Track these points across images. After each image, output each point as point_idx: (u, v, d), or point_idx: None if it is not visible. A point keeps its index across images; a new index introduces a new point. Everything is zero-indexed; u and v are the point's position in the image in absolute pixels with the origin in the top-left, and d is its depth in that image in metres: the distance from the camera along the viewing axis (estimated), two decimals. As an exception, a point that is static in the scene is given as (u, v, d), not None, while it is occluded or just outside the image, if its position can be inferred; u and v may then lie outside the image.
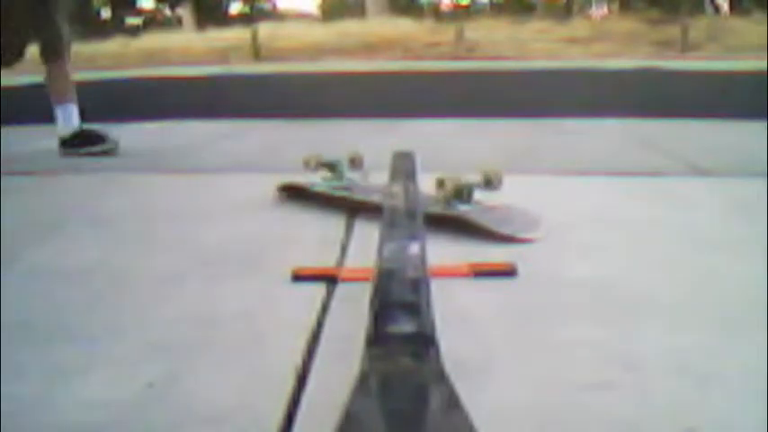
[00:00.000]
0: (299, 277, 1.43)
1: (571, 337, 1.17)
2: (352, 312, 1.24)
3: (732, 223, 1.91)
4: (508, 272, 1.45)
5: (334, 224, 1.87)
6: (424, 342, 0.82)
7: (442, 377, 0.73)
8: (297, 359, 1.08)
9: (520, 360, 1.09)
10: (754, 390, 0.99)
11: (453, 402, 0.67)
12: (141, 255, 1.68)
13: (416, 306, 0.89)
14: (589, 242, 1.72)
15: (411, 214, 1.54)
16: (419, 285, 1.01)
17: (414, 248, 1.27)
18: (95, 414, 0.95)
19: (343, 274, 1.45)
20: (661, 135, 3.63)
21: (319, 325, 1.21)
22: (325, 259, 1.58)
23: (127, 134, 3.42)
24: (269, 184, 2.17)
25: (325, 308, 1.29)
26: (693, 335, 1.19)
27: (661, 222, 1.91)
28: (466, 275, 1.44)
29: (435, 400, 0.69)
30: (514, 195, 2.23)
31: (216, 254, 1.67)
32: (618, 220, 1.94)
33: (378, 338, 0.82)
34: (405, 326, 0.86)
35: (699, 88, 5.47)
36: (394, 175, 1.97)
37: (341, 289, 1.38)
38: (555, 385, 1.01)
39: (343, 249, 1.66)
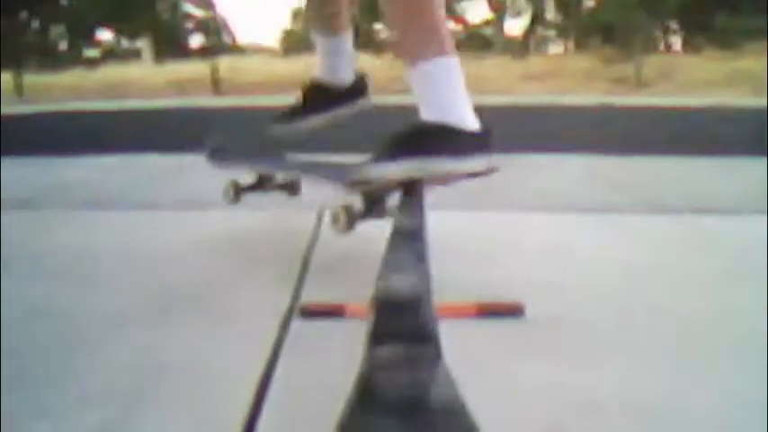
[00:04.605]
0: (307, 313, 1.43)
1: (529, 375, 1.15)
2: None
3: (691, 260, 1.92)
4: (515, 311, 1.44)
5: (287, 263, 1.84)
6: (424, 342, 0.80)
7: (443, 377, 0.71)
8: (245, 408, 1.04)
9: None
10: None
11: (455, 403, 0.65)
12: (89, 297, 1.62)
13: (417, 305, 0.87)
14: (547, 280, 1.72)
15: (415, 238, 1.43)
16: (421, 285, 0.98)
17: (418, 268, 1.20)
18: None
19: (351, 309, 1.42)
20: (617, 171, 3.68)
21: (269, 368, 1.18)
22: (278, 298, 1.54)
23: (83, 167, 3.35)
24: (226, 222, 2.13)
25: (276, 351, 1.26)
26: (653, 377, 1.18)
27: (620, 260, 1.92)
28: (471, 315, 1.43)
29: (437, 400, 0.67)
30: (470, 232, 2.22)
31: (168, 295, 1.62)
32: (575, 258, 1.94)
33: (377, 338, 0.80)
34: (405, 326, 0.84)
35: (652, 124, 5.57)
36: (402, 201, 1.81)
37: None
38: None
39: (296, 292, 1.63)
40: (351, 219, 1.58)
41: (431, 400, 0.67)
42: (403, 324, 0.83)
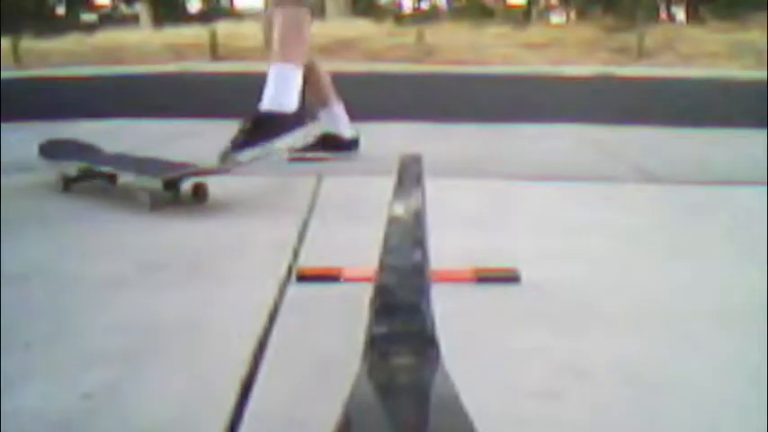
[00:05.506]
0: (303, 277, 1.44)
1: (524, 341, 1.16)
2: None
3: (683, 229, 1.93)
4: (511, 277, 1.45)
5: (278, 226, 1.84)
6: (424, 342, 0.81)
7: (442, 377, 0.72)
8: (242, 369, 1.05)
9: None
10: (703, 400, 0.99)
11: (453, 402, 0.66)
12: (87, 260, 1.63)
13: (417, 306, 0.88)
14: (543, 247, 1.72)
15: (416, 217, 1.49)
16: (420, 285, 0.99)
17: (417, 250, 1.24)
18: (29, 426, 0.91)
19: (346, 274, 1.44)
20: (615, 141, 3.67)
21: (267, 330, 1.19)
22: (273, 261, 1.55)
23: (80, 133, 3.33)
24: (224, 187, 2.14)
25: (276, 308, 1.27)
26: (647, 344, 1.19)
27: (616, 228, 1.92)
28: (469, 280, 1.44)
29: (435, 400, 0.68)
30: (468, 199, 2.23)
31: (164, 258, 1.63)
32: (572, 226, 1.94)
33: (378, 338, 0.81)
34: (405, 326, 0.85)
35: (652, 95, 5.53)
36: (401, 179, 1.91)
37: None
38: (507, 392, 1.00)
39: (295, 253, 1.63)
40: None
41: (430, 398, 0.68)
42: (404, 328, 0.84)
